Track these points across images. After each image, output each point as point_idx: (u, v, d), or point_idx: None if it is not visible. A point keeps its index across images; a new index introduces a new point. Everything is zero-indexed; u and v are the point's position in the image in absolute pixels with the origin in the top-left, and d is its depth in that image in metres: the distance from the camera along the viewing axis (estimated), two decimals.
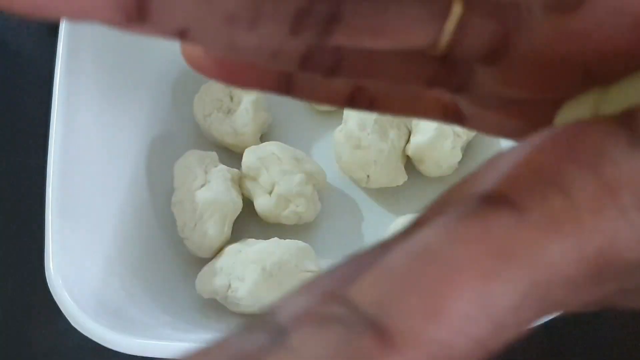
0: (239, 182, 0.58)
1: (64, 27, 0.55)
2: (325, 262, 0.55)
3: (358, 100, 0.25)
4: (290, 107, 0.65)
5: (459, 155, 0.58)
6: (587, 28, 0.19)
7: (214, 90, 0.61)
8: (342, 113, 0.59)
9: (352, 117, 0.58)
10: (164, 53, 0.65)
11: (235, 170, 0.58)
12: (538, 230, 0.16)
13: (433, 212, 0.18)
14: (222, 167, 0.57)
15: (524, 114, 0.23)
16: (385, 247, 0.17)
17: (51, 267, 0.46)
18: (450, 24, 0.19)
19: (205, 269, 0.54)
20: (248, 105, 0.60)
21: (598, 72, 0.20)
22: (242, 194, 0.58)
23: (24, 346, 0.55)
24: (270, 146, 0.58)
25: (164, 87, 0.64)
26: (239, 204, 0.57)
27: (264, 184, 0.57)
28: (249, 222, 0.58)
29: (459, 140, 0.57)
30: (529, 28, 0.19)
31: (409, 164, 0.60)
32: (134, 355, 0.45)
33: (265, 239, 0.54)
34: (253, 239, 0.55)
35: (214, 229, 0.55)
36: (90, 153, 0.54)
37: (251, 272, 0.52)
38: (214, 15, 0.18)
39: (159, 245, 0.56)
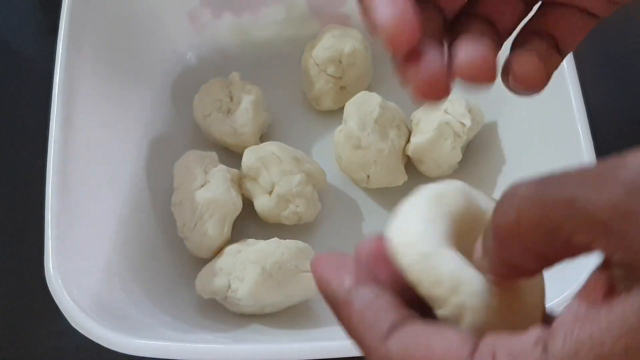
0: (239, 182, 0.58)
1: (63, 27, 0.55)
2: None
3: None
4: (290, 107, 0.65)
5: (459, 156, 0.58)
6: None
7: (214, 90, 0.61)
8: (342, 113, 0.59)
9: (352, 117, 0.58)
10: (164, 53, 0.65)
11: (235, 170, 0.58)
12: None
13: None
14: (221, 167, 0.57)
15: None
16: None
17: (51, 268, 0.46)
18: None
19: (205, 269, 0.54)
20: (248, 105, 0.60)
21: None
22: (242, 194, 0.58)
23: (23, 346, 0.55)
24: (270, 146, 0.58)
25: (163, 87, 0.64)
26: (238, 204, 0.57)
27: (263, 184, 0.57)
28: (248, 222, 0.58)
29: (459, 140, 0.57)
30: None
31: (409, 164, 0.60)
32: (133, 355, 0.45)
33: (265, 239, 0.54)
34: (253, 239, 0.55)
35: (214, 229, 0.55)
36: (90, 153, 0.54)
37: (251, 272, 0.52)
38: None
39: (158, 246, 0.56)
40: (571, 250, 0.21)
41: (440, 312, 0.24)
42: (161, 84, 0.64)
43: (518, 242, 0.21)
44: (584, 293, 0.21)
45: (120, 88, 0.59)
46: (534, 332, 0.21)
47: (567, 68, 0.52)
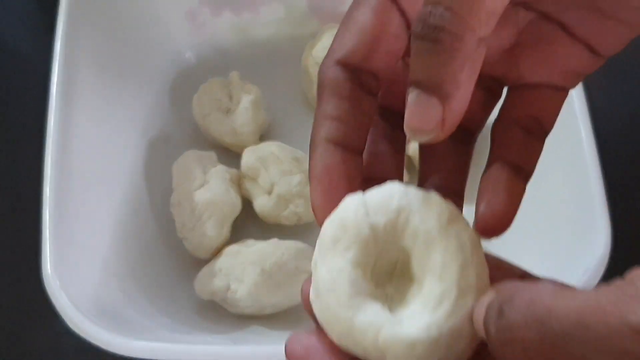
0: (238, 183, 0.58)
1: (61, 26, 0.55)
2: None
3: None
4: (290, 107, 0.65)
5: None
6: None
7: (213, 89, 0.61)
8: None
9: None
10: (162, 52, 0.64)
11: (235, 170, 0.58)
12: None
13: None
14: (221, 167, 0.57)
15: None
16: None
17: (48, 269, 0.46)
18: None
19: (204, 270, 0.53)
20: (247, 104, 0.60)
21: None
22: (241, 195, 0.57)
23: (21, 348, 0.55)
24: (269, 146, 0.57)
25: (162, 86, 0.63)
26: (238, 205, 0.56)
27: (263, 184, 0.56)
28: (248, 223, 0.58)
29: None
30: None
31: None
32: (132, 357, 0.44)
33: (264, 240, 0.54)
34: (252, 240, 0.55)
35: (213, 229, 0.54)
36: (88, 153, 0.53)
37: (250, 273, 0.51)
38: None
39: (157, 246, 0.56)
40: None
41: None
42: (160, 83, 0.63)
43: None
44: None
45: (118, 87, 0.59)
46: None
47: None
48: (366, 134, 0.28)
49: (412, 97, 0.24)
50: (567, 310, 0.20)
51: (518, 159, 0.28)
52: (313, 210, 0.26)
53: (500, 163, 0.28)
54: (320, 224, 0.26)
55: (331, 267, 0.25)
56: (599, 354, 0.19)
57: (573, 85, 0.30)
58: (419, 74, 0.24)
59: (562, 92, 0.30)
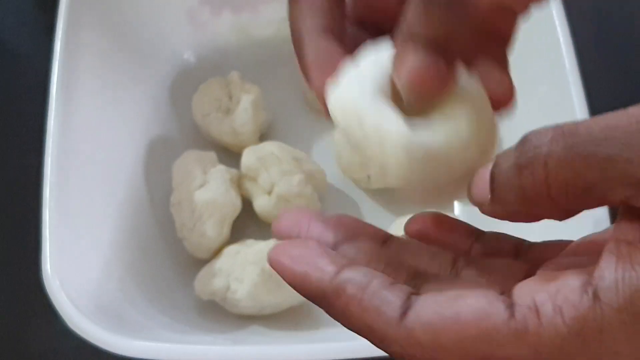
0: (238, 183, 0.58)
1: (61, 26, 0.55)
2: None
3: None
4: (290, 107, 0.65)
5: None
6: None
7: (213, 89, 0.61)
8: None
9: None
10: (162, 52, 0.64)
11: (235, 170, 0.58)
12: None
13: None
14: (221, 167, 0.57)
15: None
16: None
17: (48, 269, 0.46)
18: None
19: (204, 270, 0.53)
20: (247, 104, 0.59)
21: None
22: (241, 195, 0.57)
23: (20, 348, 0.55)
24: (269, 146, 0.57)
25: (162, 86, 0.63)
26: (238, 205, 0.56)
27: (263, 184, 0.56)
28: (248, 223, 0.58)
29: None
30: None
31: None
32: (131, 357, 0.44)
33: (264, 240, 0.54)
34: (252, 240, 0.54)
35: (213, 229, 0.54)
36: (87, 153, 0.53)
37: (250, 273, 0.51)
38: None
39: (157, 246, 0.56)
40: (603, 203, 0.20)
41: (372, 174, 0.25)
42: (160, 83, 0.63)
43: (547, 201, 0.20)
44: (619, 233, 0.20)
45: (118, 87, 0.59)
46: (577, 276, 0.20)
47: (569, 68, 0.52)
48: (344, 24, 0.28)
49: (420, 56, 0.23)
50: (595, 120, 0.19)
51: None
52: (317, 95, 0.27)
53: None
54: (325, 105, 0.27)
55: (360, 68, 0.26)
56: (631, 149, 0.18)
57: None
58: (429, 29, 0.23)
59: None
